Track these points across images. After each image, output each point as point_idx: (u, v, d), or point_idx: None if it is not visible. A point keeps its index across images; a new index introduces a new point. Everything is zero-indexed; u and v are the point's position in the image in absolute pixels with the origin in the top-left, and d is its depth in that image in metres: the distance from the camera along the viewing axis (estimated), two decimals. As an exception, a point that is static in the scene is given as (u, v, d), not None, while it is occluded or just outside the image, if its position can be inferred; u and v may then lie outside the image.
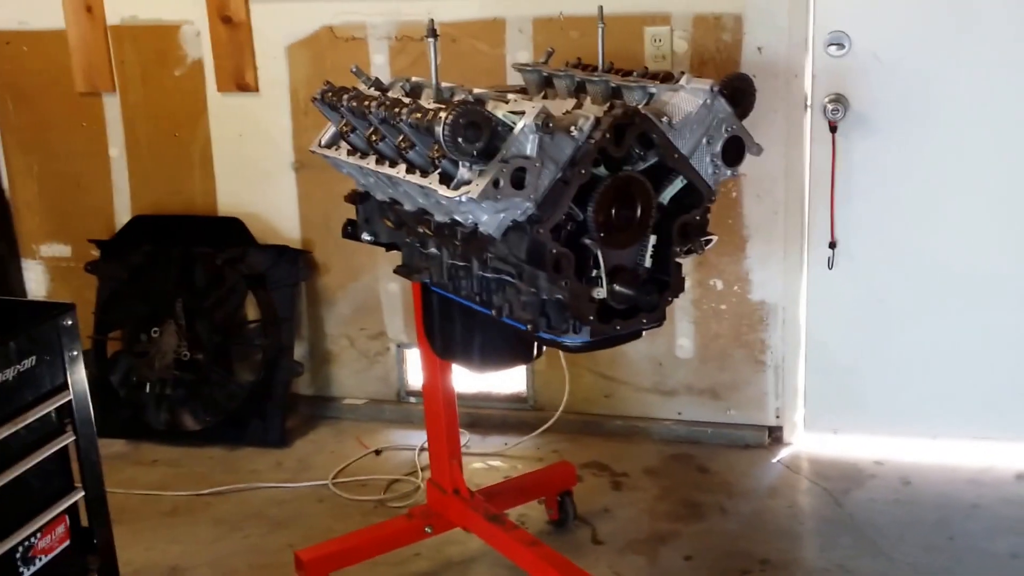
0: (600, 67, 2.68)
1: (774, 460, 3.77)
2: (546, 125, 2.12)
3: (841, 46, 3.52)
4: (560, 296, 2.24)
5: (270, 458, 3.95)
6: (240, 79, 4.03)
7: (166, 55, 4.10)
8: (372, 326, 4.20)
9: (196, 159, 4.18)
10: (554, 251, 2.19)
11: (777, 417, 3.87)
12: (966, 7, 3.42)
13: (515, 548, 2.88)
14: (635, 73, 2.54)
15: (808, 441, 3.85)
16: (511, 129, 2.13)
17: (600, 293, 2.29)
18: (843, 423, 3.83)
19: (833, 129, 3.55)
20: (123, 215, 4.31)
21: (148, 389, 4.08)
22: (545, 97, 2.71)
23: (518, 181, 2.12)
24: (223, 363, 4.09)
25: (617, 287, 2.29)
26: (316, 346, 4.28)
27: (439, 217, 2.35)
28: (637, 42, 3.64)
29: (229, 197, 4.19)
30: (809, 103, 3.59)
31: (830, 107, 3.52)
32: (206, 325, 4.06)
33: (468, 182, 2.13)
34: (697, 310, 3.84)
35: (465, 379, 3.63)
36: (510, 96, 2.28)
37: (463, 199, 2.11)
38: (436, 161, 2.20)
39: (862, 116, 3.55)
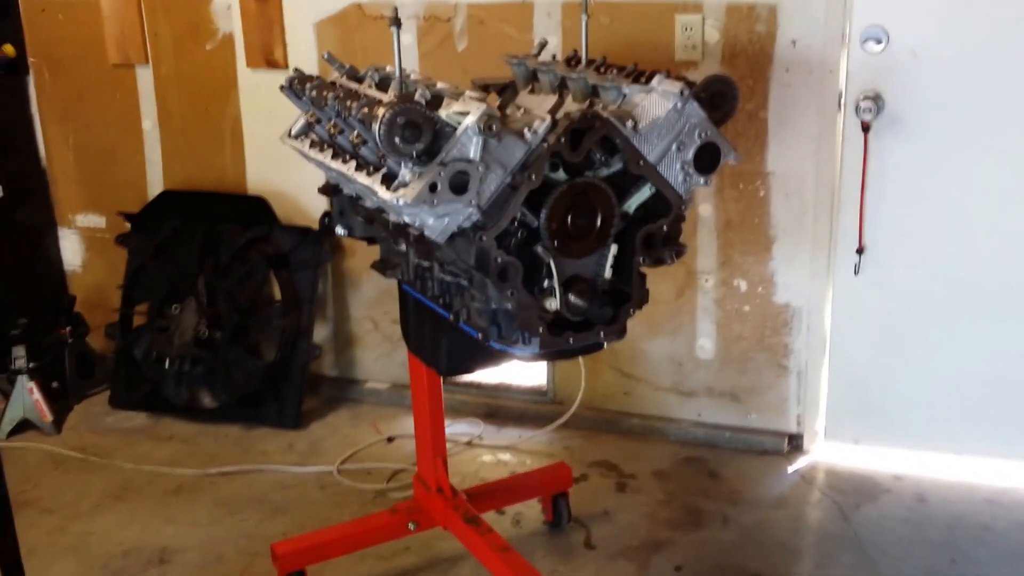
0: (583, 62, 2.56)
1: (790, 469, 3.62)
2: (489, 128, 2.02)
3: (879, 42, 3.33)
4: (508, 306, 2.15)
5: (283, 440, 3.94)
6: (269, 55, 3.99)
7: (198, 28, 4.08)
8: (396, 310, 4.11)
9: (227, 135, 4.17)
10: (499, 259, 2.10)
11: (798, 424, 3.72)
12: (1014, 4, 3.20)
13: (486, 552, 2.81)
14: (614, 71, 2.41)
15: (828, 451, 3.69)
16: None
17: (553, 304, 2.20)
18: (865, 434, 3.67)
19: (866, 129, 3.37)
20: (156, 188, 4.32)
21: (168, 364, 4.08)
22: (532, 91, 2.61)
23: (459, 185, 2.04)
24: (242, 342, 4.07)
25: (572, 298, 2.19)
26: (340, 328, 4.25)
27: (392, 217, 2.27)
28: (668, 31, 3.49)
29: (258, 175, 4.17)
30: (843, 101, 3.41)
31: (864, 106, 3.34)
32: (226, 303, 4.05)
33: (407, 184, 2.05)
34: (720, 310, 3.70)
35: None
36: (468, 95, 2.17)
37: (400, 201, 2.03)
38: (382, 160, 2.13)
39: (897, 117, 3.36)
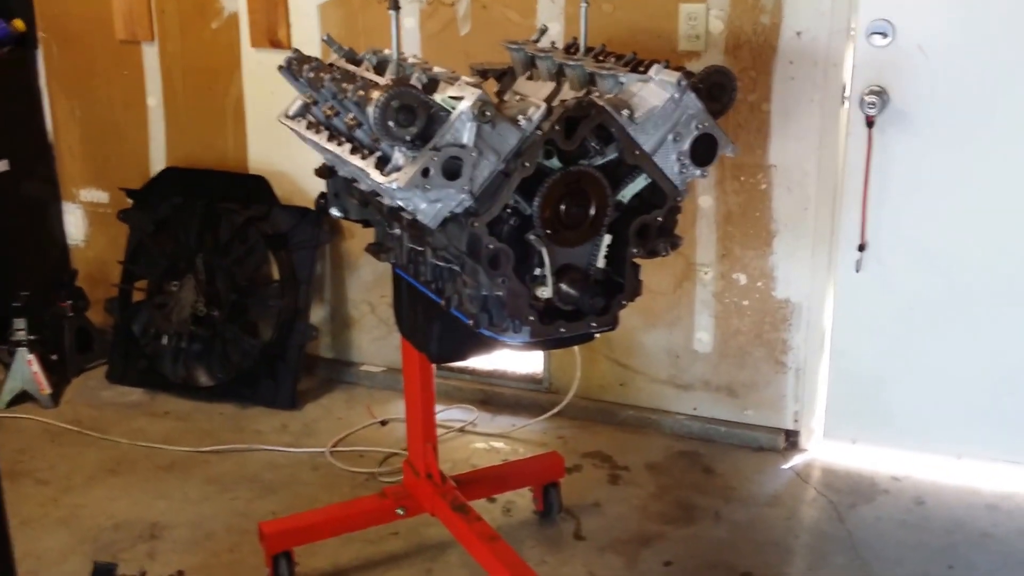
0: (581, 50, 2.54)
1: (785, 466, 3.60)
2: (483, 113, 2.01)
3: (885, 35, 3.30)
4: (499, 293, 2.14)
5: (277, 420, 3.93)
6: (273, 35, 3.97)
7: (204, 7, 4.07)
8: (391, 294, 4.13)
9: (229, 114, 4.16)
10: (491, 246, 2.09)
11: (795, 421, 3.70)
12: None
13: (472, 541, 2.80)
14: (612, 59, 2.39)
15: (825, 449, 3.67)
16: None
17: (545, 292, 2.18)
18: (863, 433, 3.64)
19: (870, 124, 3.33)
20: (158, 165, 4.32)
21: (165, 341, 4.08)
22: (530, 78, 2.60)
23: (452, 171, 2.02)
24: (239, 321, 4.06)
25: (564, 287, 2.18)
26: (337, 310, 4.24)
27: (386, 200, 2.26)
28: (671, 20, 3.47)
29: (260, 154, 4.16)
30: (847, 94, 3.38)
31: (868, 100, 3.31)
32: (225, 282, 4.04)
33: (401, 168, 2.04)
34: (718, 304, 3.68)
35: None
36: (463, 80, 2.16)
37: (392, 185, 2.02)
38: (376, 143, 2.11)
39: (902, 112, 3.33)
